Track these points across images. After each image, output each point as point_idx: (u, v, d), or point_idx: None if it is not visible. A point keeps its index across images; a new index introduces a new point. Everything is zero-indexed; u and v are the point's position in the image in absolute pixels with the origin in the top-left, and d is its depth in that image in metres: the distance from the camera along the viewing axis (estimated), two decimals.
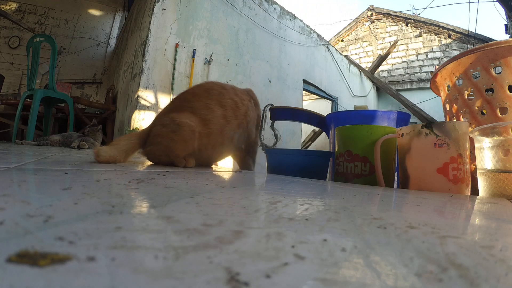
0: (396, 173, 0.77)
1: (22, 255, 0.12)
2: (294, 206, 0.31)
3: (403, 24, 6.95)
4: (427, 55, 6.54)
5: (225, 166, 1.21)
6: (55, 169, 0.49)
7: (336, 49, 5.24)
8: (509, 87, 0.73)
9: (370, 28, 7.44)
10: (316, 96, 5.27)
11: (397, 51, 6.87)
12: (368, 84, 6.36)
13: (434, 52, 6.47)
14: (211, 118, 0.66)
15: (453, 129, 0.60)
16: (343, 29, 7.84)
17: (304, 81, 4.17)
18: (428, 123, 0.62)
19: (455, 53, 5.89)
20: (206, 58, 2.80)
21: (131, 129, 2.32)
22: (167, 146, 0.64)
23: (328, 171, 1.02)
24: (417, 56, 6.66)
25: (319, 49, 4.59)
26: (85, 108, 3.39)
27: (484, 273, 0.14)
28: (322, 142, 5.38)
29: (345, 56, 5.78)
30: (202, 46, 2.78)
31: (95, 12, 5.13)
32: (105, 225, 0.18)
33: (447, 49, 6.32)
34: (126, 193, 0.31)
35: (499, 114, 0.73)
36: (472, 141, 0.66)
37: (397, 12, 7.03)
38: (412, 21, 6.82)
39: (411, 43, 6.79)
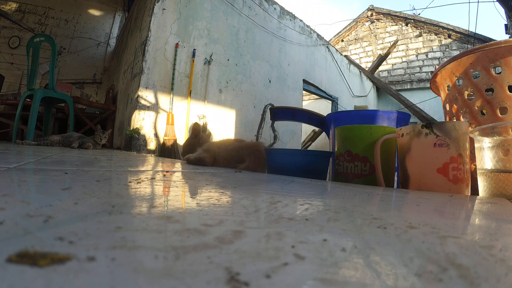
0: (396, 173, 0.77)
1: (22, 255, 0.12)
2: (294, 206, 0.31)
3: (403, 24, 6.95)
4: (427, 55, 6.54)
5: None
6: (55, 169, 0.49)
7: (336, 49, 5.24)
8: (509, 87, 0.73)
9: (370, 28, 7.44)
10: (316, 96, 5.27)
11: (397, 51, 6.87)
12: (368, 84, 6.36)
13: (434, 52, 6.47)
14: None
15: (453, 129, 0.60)
16: (343, 29, 7.84)
17: (304, 81, 4.17)
18: (428, 123, 0.62)
19: (455, 53, 5.89)
20: (206, 58, 2.80)
21: (131, 129, 2.32)
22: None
23: (328, 171, 1.02)
24: (417, 56, 6.66)
25: (319, 49, 4.59)
26: (85, 108, 3.38)
27: (484, 273, 0.14)
28: (322, 142, 5.38)
29: (345, 56, 5.77)
30: (202, 46, 2.78)
31: (95, 12, 5.13)
32: (105, 225, 0.18)
33: (447, 49, 6.32)
34: (126, 193, 0.31)
35: (499, 114, 0.73)
36: (472, 141, 0.66)
37: (397, 12, 7.03)
38: (412, 21, 6.82)
39: (411, 43, 6.79)
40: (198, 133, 1.39)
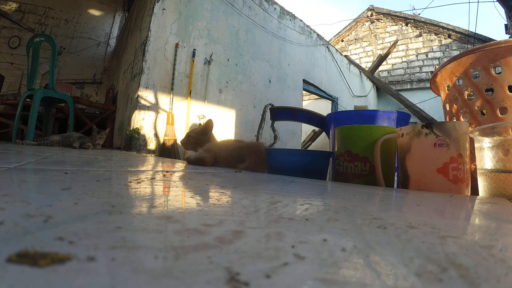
0: (396, 173, 0.77)
1: (22, 255, 0.12)
2: (294, 206, 0.31)
3: (403, 24, 6.95)
4: (427, 55, 6.54)
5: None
6: (55, 169, 0.49)
7: (336, 49, 5.24)
8: (509, 87, 0.73)
9: (370, 28, 7.44)
10: (316, 96, 5.27)
11: (397, 51, 6.87)
12: (368, 84, 6.36)
13: (434, 52, 6.47)
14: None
15: (453, 129, 0.60)
16: (343, 29, 7.84)
17: (304, 81, 4.17)
18: (428, 123, 0.62)
19: (455, 53, 5.89)
20: (206, 58, 2.80)
21: (131, 129, 2.32)
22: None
23: (328, 171, 1.02)
24: (417, 56, 6.66)
25: (319, 49, 4.59)
26: (85, 108, 3.38)
27: (484, 273, 0.14)
28: (322, 142, 5.38)
29: (345, 56, 5.77)
30: (202, 46, 2.77)
31: (95, 12, 5.13)
32: (105, 225, 0.18)
33: (447, 49, 6.32)
34: (126, 193, 0.31)
35: (499, 114, 0.73)
36: (472, 141, 0.66)
37: (397, 12, 7.03)
38: (412, 21, 6.82)
39: (411, 43, 6.79)
40: (209, 132, 1.37)
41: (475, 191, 0.64)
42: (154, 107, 2.41)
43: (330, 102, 5.22)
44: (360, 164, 0.74)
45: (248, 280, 0.12)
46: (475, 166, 0.65)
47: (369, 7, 7.45)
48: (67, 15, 4.85)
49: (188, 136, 1.39)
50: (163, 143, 2.38)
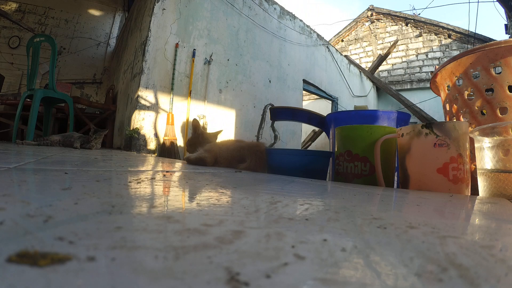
0: (396, 173, 0.77)
1: (22, 255, 0.12)
2: (294, 206, 0.31)
3: (403, 24, 6.95)
4: (427, 55, 6.54)
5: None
6: (55, 169, 0.49)
7: (336, 49, 5.24)
8: (509, 87, 0.73)
9: (370, 28, 7.43)
10: (316, 96, 5.27)
11: (397, 51, 6.87)
12: (368, 84, 6.36)
13: (434, 52, 6.47)
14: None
15: (453, 129, 0.60)
16: (343, 29, 7.84)
17: (304, 81, 4.17)
18: (428, 123, 0.62)
19: (455, 53, 5.88)
20: (206, 58, 2.80)
21: (131, 129, 2.31)
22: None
23: (328, 171, 1.02)
24: (417, 56, 6.66)
25: (319, 49, 4.58)
26: (85, 108, 3.38)
27: (484, 273, 0.14)
28: (322, 142, 5.38)
29: (345, 56, 5.77)
30: (202, 46, 2.77)
31: (95, 12, 5.12)
32: (105, 225, 0.18)
33: (447, 49, 6.32)
34: (126, 193, 0.31)
35: (499, 114, 0.73)
36: (472, 141, 0.66)
37: (397, 12, 7.03)
38: (412, 21, 6.82)
39: (411, 43, 6.79)
40: (197, 129, 1.38)
41: (475, 191, 0.64)
42: (154, 107, 2.41)
43: (330, 102, 5.22)
44: (360, 164, 0.74)
45: (248, 280, 0.12)
46: (475, 166, 0.65)
47: (369, 7, 7.45)
48: (67, 15, 4.85)
49: (186, 145, 1.45)
50: (163, 143, 2.38)
